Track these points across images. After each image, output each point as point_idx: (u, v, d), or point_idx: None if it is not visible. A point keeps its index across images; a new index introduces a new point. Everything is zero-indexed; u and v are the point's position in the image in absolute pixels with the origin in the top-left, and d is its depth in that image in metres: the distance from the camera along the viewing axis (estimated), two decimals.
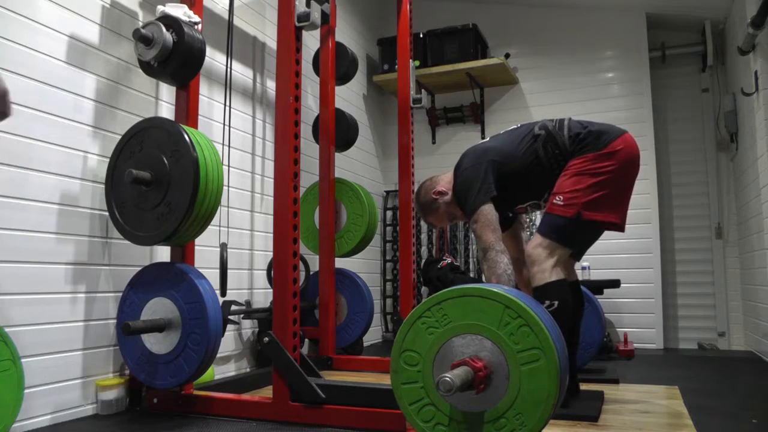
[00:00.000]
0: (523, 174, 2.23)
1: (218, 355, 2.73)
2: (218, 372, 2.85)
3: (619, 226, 2.18)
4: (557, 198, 2.12)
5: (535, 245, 2.13)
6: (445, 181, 2.41)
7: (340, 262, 3.46)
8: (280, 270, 2.14)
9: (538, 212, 2.46)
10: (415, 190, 2.47)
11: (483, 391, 1.48)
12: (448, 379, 1.39)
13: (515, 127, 2.36)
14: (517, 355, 1.46)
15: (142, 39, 2.20)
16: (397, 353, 1.60)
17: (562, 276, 2.11)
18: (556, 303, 2.01)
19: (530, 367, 1.45)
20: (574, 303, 2.19)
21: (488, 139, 2.40)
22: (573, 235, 2.14)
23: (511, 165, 2.22)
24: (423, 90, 4.65)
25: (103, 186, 2.22)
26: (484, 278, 2.15)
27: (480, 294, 1.53)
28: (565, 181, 2.13)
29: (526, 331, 1.46)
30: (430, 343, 1.56)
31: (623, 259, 4.10)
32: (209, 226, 2.23)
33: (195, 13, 2.36)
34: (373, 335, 4.39)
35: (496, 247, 2.10)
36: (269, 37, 3.44)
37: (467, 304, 1.53)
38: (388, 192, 4.86)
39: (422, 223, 4.70)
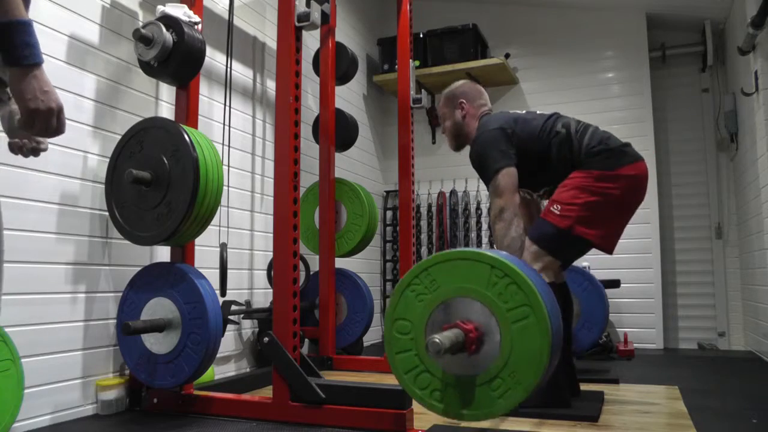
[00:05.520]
0: (531, 160, 2.22)
1: (218, 355, 2.72)
2: (218, 372, 2.85)
3: (608, 250, 2.19)
4: (555, 206, 2.12)
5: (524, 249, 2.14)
6: (472, 112, 2.42)
7: (340, 262, 3.46)
8: (280, 270, 2.14)
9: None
10: (459, 82, 2.53)
11: (475, 353, 1.48)
12: (436, 340, 1.39)
13: (541, 112, 2.36)
14: (507, 314, 1.46)
15: (142, 39, 2.20)
16: (390, 323, 1.60)
17: (549, 280, 2.11)
18: None
19: (521, 324, 1.45)
20: (561, 305, 2.20)
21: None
22: (561, 246, 2.14)
23: (526, 146, 2.22)
24: (423, 90, 4.64)
25: (103, 186, 2.22)
26: (494, 239, 2.15)
27: (465, 257, 1.53)
28: (563, 192, 2.13)
29: (514, 289, 1.46)
30: (420, 310, 1.56)
31: (623, 259, 4.08)
32: (209, 226, 2.23)
33: (195, 13, 2.36)
34: (373, 335, 4.38)
35: (514, 210, 2.10)
36: (269, 37, 3.44)
37: (454, 267, 1.54)
38: (388, 192, 4.86)
39: (422, 222, 4.71)
